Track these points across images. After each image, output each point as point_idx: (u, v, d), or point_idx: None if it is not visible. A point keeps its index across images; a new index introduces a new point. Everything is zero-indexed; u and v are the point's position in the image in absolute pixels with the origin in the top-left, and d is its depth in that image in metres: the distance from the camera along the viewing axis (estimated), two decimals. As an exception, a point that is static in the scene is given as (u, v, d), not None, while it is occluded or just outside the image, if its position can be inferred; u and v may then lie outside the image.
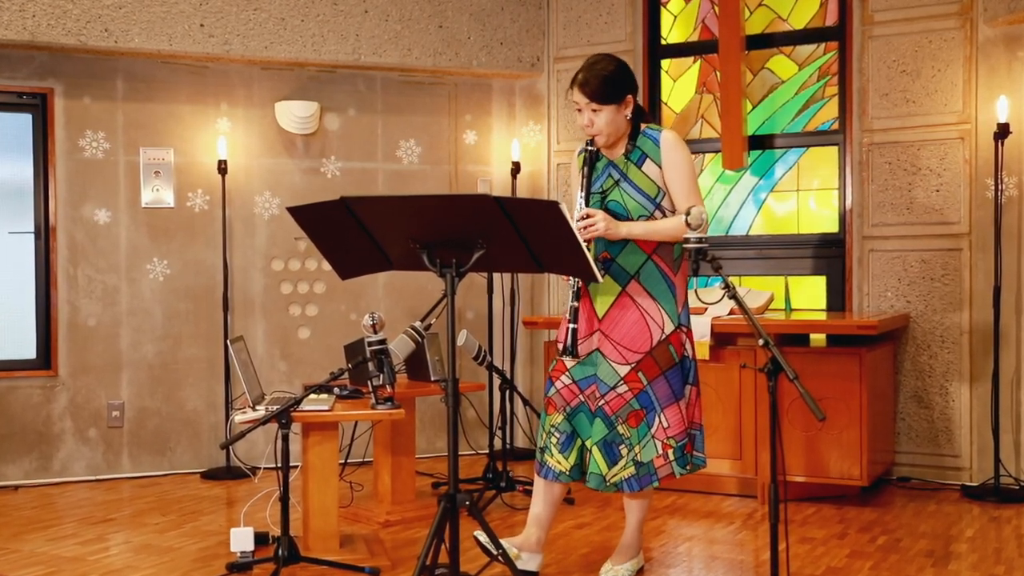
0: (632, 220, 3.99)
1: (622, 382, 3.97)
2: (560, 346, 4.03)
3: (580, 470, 4.09)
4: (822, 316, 6.01)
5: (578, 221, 3.89)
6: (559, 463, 4.07)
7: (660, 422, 3.98)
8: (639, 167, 4.00)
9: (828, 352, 5.50)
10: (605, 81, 3.93)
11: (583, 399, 4.05)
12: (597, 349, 4.04)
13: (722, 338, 5.63)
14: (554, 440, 4.08)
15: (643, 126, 4.05)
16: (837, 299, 6.35)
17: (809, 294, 6.51)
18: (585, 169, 4.03)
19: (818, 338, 5.74)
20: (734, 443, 5.63)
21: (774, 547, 3.41)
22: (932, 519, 5.23)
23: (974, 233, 5.92)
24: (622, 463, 3.98)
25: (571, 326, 3.97)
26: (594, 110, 3.95)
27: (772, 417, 3.38)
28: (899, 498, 5.68)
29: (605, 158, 4.07)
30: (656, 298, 4.00)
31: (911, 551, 4.66)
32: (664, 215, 4.00)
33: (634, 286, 4.00)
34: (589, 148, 4.03)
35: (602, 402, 3.99)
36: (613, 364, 3.99)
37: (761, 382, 5.45)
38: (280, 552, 4.25)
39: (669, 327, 4.00)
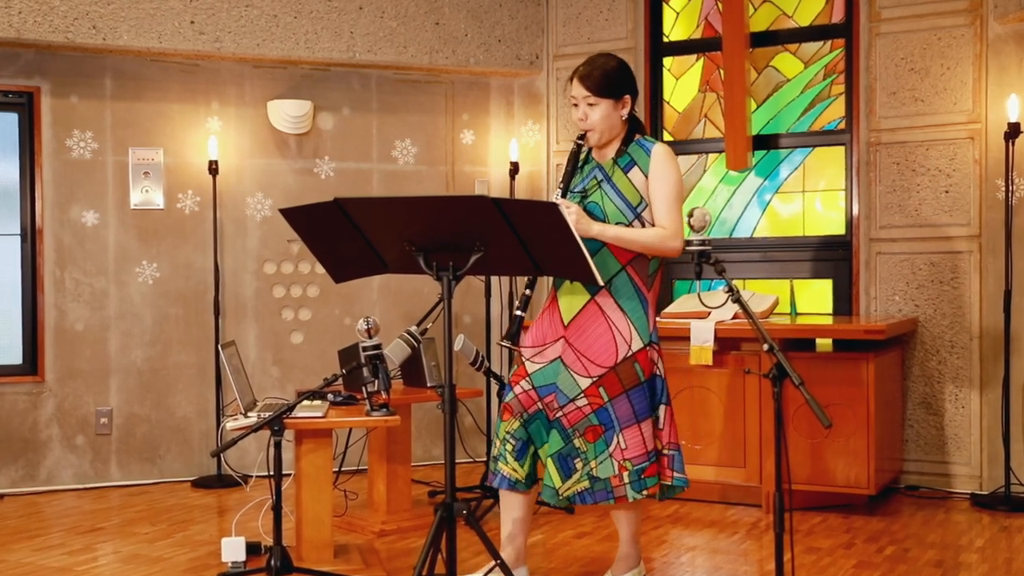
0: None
1: (582, 395, 3.90)
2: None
3: (533, 479, 4.04)
4: (828, 320, 6.00)
5: None
6: (514, 471, 4.01)
7: (618, 442, 3.90)
8: (625, 173, 3.96)
9: (834, 357, 5.46)
10: (606, 75, 3.95)
11: (541, 407, 3.99)
12: (559, 357, 3.98)
13: (726, 343, 5.59)
14: (509, 447, 4.02)
15: (638, 136, 4.03)
16: (843, 303, 6.30)
17: (815, 298, 6.47)
18: (568, 165, 4.01)
19: (824, 343, 5.70)
20: (738, 451, 5.59)
21: (779, 557, 3.39)
22: (941, 528, 5.20)
23: (984, 235, 5.86)
24: (576, 476, 3.93)
25: (517, 313, 3.95)
26: (590, 104, 3.95)
27: (777, 424, 3.36)
28: (907, 507, 5.64)
29: (594, 160, 4.06)
30: (626, 312, 3.94)
31: (919, 561, 4.62)
32: (644, 227, 3.94)
33: (604, 296, 3.94)
34: (579, 143, 4.01)
35: (560, 414, 3.93)
36: (575, 375, 3.92)
37: (766, 388, 5.39)
38: (273, 562, 4.19)
39: (637, 344, 3.92)
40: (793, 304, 6.04)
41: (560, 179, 4.00)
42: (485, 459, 6.20)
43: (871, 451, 5.31)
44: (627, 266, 3.94)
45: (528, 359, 4.05)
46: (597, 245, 3.91)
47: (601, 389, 3.89)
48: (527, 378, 4.02)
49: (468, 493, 5.76)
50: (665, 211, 3.90)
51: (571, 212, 3.80)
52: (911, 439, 6.02)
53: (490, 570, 3.85)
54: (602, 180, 3.98)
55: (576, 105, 3.98)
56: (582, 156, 4.08)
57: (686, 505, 5.67)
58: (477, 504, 5.52)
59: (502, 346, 4.00)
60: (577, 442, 3.91)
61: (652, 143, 3.99)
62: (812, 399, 3.27)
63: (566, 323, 3.99)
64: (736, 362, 5.57)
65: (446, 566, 3.46)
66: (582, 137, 4.00)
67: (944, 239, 5.96)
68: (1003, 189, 5.76)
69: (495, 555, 3.63)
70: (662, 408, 3.98)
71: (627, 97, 3.98)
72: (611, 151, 4.02)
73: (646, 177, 3.93)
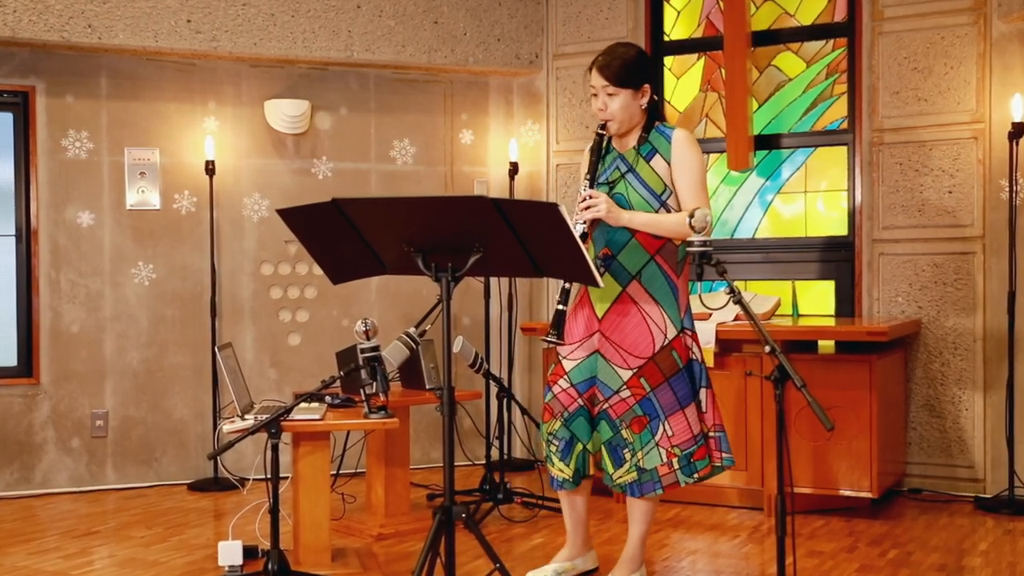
0: None
1: (625, 387, 3.98)
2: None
3: (581, 475, 4.13)
4: (830, 322, 5.96)
5: (580, 202, 3.92)
6: (561, 471, 4.11)
7: (664, 430, 3.97)
8: (647, 161, 4.01)
9: (837, 359, 5.43)
10: (625, 64, 3.99)
11: (582, 403, 4.06)
12: (597, 351, 4.04)
13: (727, 345, 5.55)
14: (554, 448, 4.11)
15: (657, 123, 4.07)
16: (846, 304, 6.26)
17: (817, 299, 6.43)
18: (592, 156, 4.03)
19: (826, 345, 5.67)
20: (740, 453, 5.55)
21: (781, 561, 3.38)
22: (944, 532, 5.16)
23: (988, 236, 5.82)
24: (625, 467, 4.02)
25: (559, 307, 3.94)
26: (610, 94, 3.99)
27: (779, 426, 3.37)
28: (910, 510, 5.60)
29: (615, 150, 4.09)
30: (658, 301, 3.99)
31: (923, 565, 4.59)
32: (669, 213, 4.01)
33: (635, 287, 4.00)
34: (600, 132, 4.03)
35: (606, 406, 4.01)
36: (615, 367, 3.99)
37: (768, 390, 5.37)
38: (270, 566, 4.17)
39: (672, 332, 3.99)
40: (795, 305, 6.01)
41: (586, 171, 4.02)
42: (484, 462, 6.15)
43: (874, 454, 5.28)
44: (656, 255, 3.99)
45: (565, 356, 4.11)
46: (626, 237, 3.98)
47: (642, 379, 3.96)
48: (565, 376, 4.09)
49: (467, 496, 5.74)
50: (691, 195, 3.95)
51: (601, 202, 3.88)
52: (914, 442, 5.98)
53: (490, 573, 3.83)
54: (626, 171, 4.02)
55: (595, 95, 4.01)
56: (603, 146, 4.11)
57: (687, 508, 5.64)
58: (476, 507, 5.48)
59: (546, 342, 4.00)
60: (624, 433, 4.00)
61: (672, 129, 4.03)
62: (814, 401, 3.26)
63: (600, 317, 4.05)
64: (738, 364, 5.53)
65: (445, 570, 3.45)
66: (603, 127, 4.02)
67: (947, 240, 5.91)
68: (1007, 189, 5.72)
69: (494, 559, 3.61)
70: (703, 391, 4.05)
71: (646, 86, 4.02)
72: (632, 140, 4.06)
73: (668, 164, 3.98)
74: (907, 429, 5.98)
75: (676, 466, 3.98)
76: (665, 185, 3.97)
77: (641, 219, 3.93)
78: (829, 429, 3.28)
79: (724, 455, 4.09)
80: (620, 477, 4.03)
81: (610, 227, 3.98)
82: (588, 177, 4.00)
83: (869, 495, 5.33)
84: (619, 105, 3.97)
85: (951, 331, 5.90)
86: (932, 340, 5.94)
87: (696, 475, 4.03)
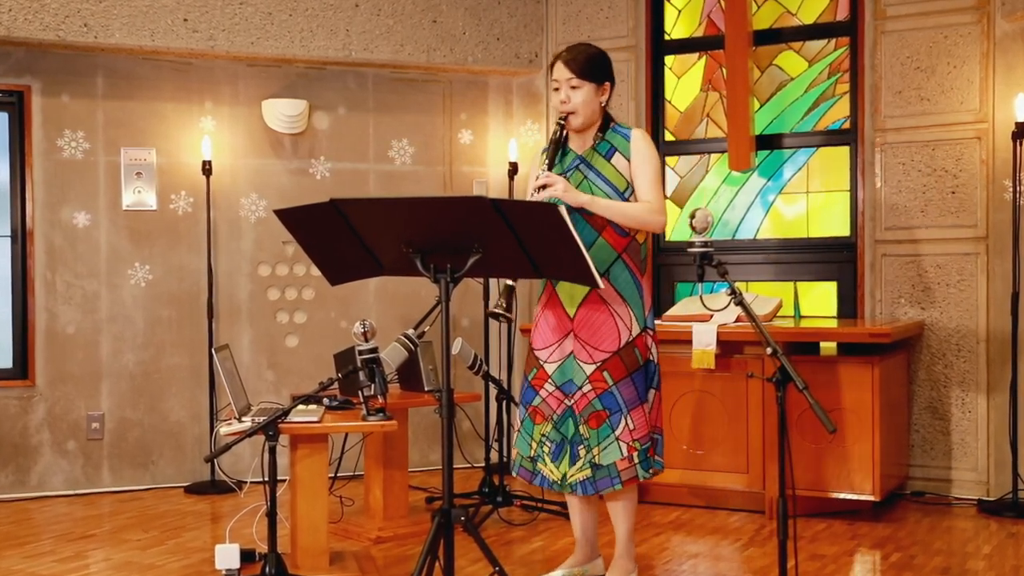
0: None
1: (587, 381, 4.06)
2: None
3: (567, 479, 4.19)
4: (833, 323, 5.93)
5: (536, 181, 4.00)
6: (552, 472, 4.15)
7: (627, 424, 4.03)
8: (607, 159, 4.10)
9: (839, 361, 5.40)
10: (589, 59, 4.12)
11: (568, 404, 4.13)
12: (572, 352, 4.11)
13: (728, 346, 5.53)
14: (546, 449, 4.16)
15: (613, 123, 4.18)
16: (848, 306, 6.23)
17: (819, 300, 6.41)
18: (551, 147, 4.11)
19: (828, 346, 5.64)
20: (741, 456, 5.53)
21: (783, 564, 3.38)
22: (947, 535, 5.15)
23: (991, 237, 5.80)
24: (579, 464, 4.09)
25: (508, 282, 4.01)
26: (573, 86, 4.09)
27: (781, 429, 3.37)
28: (913, 513, 5.58)
29: (573, 152, 4.18)
30: (625, 299, 4.08)
31: (925, 568, 4.57)
32: None
33: (603, 284, 4.01)
34: (560, 123, 4.12)
35: (571, 401, 4.08)
36: (581, 364, 4.07)
37: (769, 392, 5.35)
38: (267, 570, 4.18)
39: (636, 329, 4.08)
40: (797, 307, 6.00)
41: (544, 158, 4.08)
42: (483, 465, 6.13)
43: (876, 456, 5.26)
44: (622, 254, 4.07)
45: (545, 361, 4.17)
46: (593, 236, 4.04)
47: (605, 373, 4.03)
48: (549, 379, 4.14)
49: (466, 499, 5.71)
50: (649, 187, 4.05)
51: (559, 183, 3.95)
52: (917, 444, 5.96)
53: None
54: (586, 171, 4.10)
55: (557, 89, 4.11)
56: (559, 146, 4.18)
57: (688, 511, 5.62)
58: (475, 511, 5.46)
59: (493, 313, 4.01)
60: (583, 429, 4.05)
61: (629, 129, 4.15)
62: (816, 403, 3.26)
63: (571, 315, 4.10)
64: (739, 366, 5.51)
65: (444, 573, 3.44)
66: (564, 119, 4.10)
67: (950, 241, 5.89)
68: (1010, 190, 5.69)
69: (494, 562, 3.60)
70: (651, 392, 4.13)
71: (607, 84, 4.13)
72: (589, 140, 4.15)
73: (628, 161, 4.07)
74: (910, 431, 5.96)
75: (636, 460, 4.03)
76: (627, 183, 4.06)
77: (602, 203, 4.00)
78: (831, 431, 3.29)
79: (657, 457, 4.15)
80: (573, 475, 4.08)
81: (577, 226, 3.97)
82: (546, 162, 4.06)
83: (871, 498, 5.31)
84: (581, 99, 4.04)
85: (954, 333, 5.87)
86: (935, 342, 5.91)
87: (651, 470, 4.10)
